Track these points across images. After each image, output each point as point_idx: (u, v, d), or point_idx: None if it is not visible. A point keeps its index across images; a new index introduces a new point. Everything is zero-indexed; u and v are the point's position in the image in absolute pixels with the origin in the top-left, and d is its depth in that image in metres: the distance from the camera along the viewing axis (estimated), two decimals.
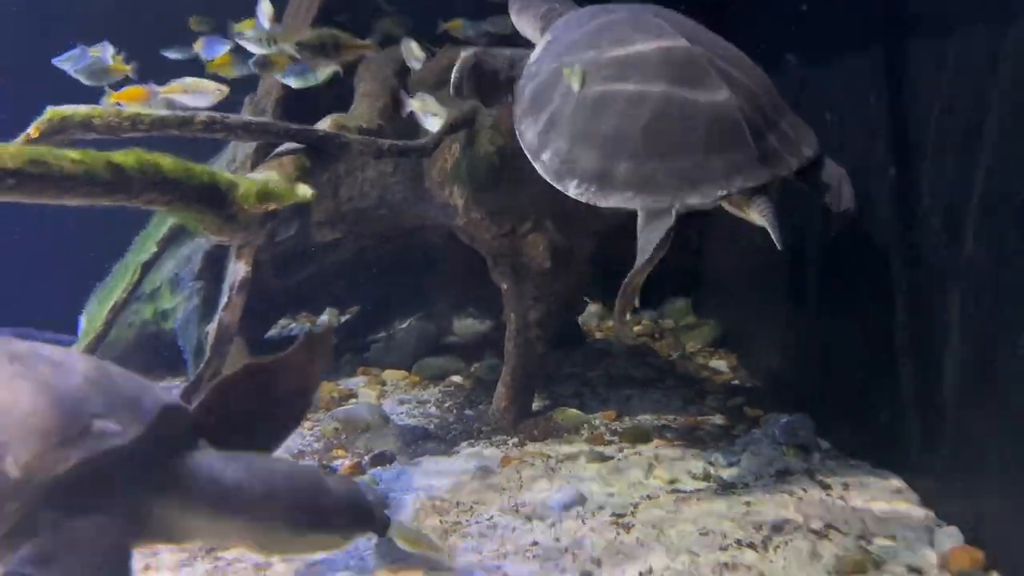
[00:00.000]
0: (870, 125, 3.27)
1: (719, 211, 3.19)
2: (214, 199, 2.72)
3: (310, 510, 1.91)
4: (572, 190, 3.12)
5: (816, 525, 2.79)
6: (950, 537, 2.62)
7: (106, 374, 1.88)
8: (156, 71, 3.51)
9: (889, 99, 3.16)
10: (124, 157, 2.59)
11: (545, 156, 3.20)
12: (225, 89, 3.36)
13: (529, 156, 3.29)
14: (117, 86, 3.35)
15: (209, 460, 1.90)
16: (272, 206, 2.79)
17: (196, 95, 3.30)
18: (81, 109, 2.99)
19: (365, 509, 1.99)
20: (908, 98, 3.05)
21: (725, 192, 2.90)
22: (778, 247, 2.78)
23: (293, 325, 6.07)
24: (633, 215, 3.10)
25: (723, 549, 2.66)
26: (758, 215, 2.89)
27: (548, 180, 3.21)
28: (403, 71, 4.13)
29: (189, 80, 3.35)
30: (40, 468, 1.65)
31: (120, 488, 1.74)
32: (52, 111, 2.96)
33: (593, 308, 6.14)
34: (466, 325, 5.13)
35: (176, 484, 1.83)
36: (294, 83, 3.48)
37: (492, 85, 3.47)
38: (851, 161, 3.27)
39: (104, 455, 1.71)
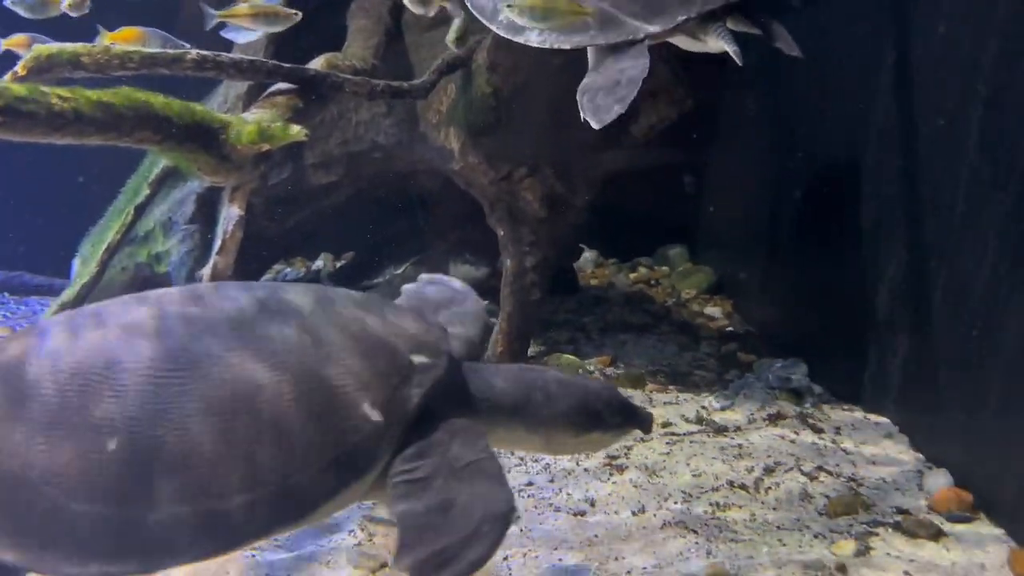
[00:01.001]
0: (869, 75, 3.22)
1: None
2: (207, 138, 2.66)
3: (587, 412, 1.93)
4: (535, 39, 3.08)
5: (807, 467, 2.83)
6: (939, 479, 2.66)
7: (391, 310, 1.89)
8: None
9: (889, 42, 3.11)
10: (114, 95, 2.53)
11: (501, 16, 3.14)
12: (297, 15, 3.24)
13: (485, 21, 3.22)
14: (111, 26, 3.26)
15: (483, 376, 1.91)
16: (265, 146, 2.74)
17: (265, 20, 3.19)
18: (69, 47, 2.91)
19: (631, 408, 2.00)
20: (903, 38, 3.00)
21: (685, 17, 2.91)
22: (739, 64, 2.79)
23: (288, 270, 6.05)
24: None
25: (715, 490, 2.70)
26: (715, 39, 2.91)
27: (508, 37, 3.16)
28: (398, 7, 4.03)
29: (259, 2, 3.22)
30: (394, 409, 1.66)
31: (445, 416, 1.75)
32: (39, 48, 2.88)
33: (589, 255, 6.13)
34: (462, 271, 5.10)
35: (471, 403, 1.84)
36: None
37: None
38: (844, 118, 3.23)
39: (431, 388, 1.72)
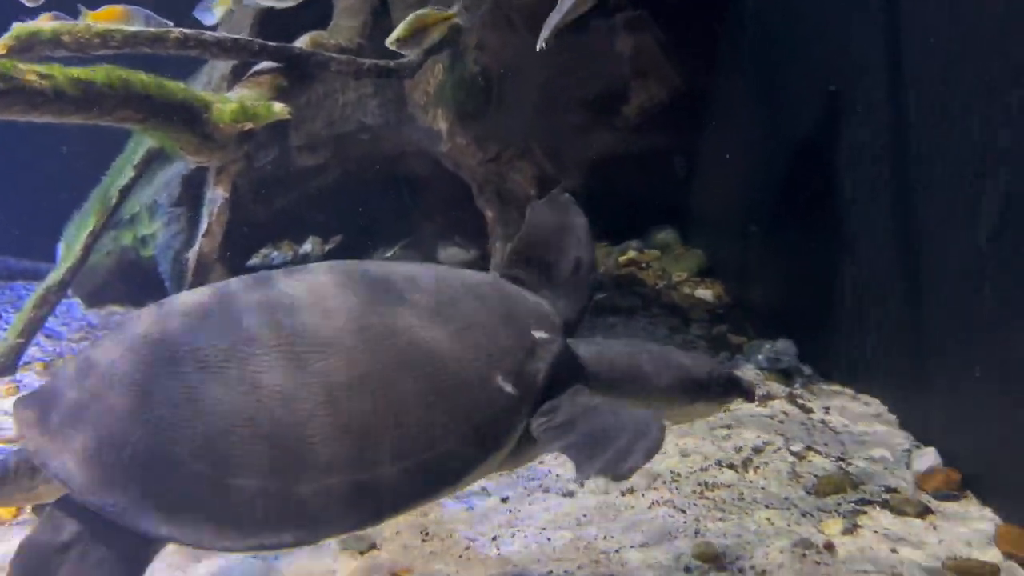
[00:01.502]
0: (852, 57, 3.20)
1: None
2: (189, 117, 2.63)
3: (691, 383, 1.94)
4: None
5: (796, 447, 2.83)
6: (927, 458, 2.66)
7: (504, 285, 1.90)
8: None
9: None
10: (94, 73, 2.50)
11: None
12: None
13: None
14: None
15: (590, 349, 1.92)
16: (248, 125, 2.71)
17: None
18: (49, 25, 2.87)
19: (734, 378, 2.02)
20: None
21: None
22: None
23: (275, 253, 6.02)
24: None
25: (703, 470, 2.70)
26: None
27: None
28: None
29: None
30: (524, 382, 1.69)
31: (563, 388, 1.76)
32: (19, 27, 2.83)
33: None
34: (451, 254, 5.08)
35: (582, 376, 1.85)
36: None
37: None
38: (827, 99, 3.20)
39: (554, 362, 1.74)
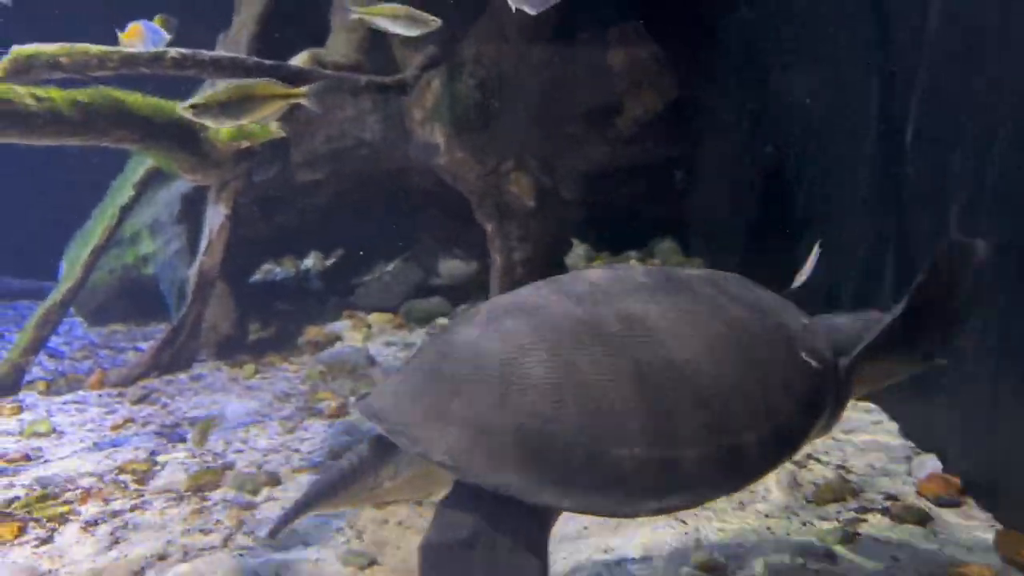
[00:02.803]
0: (842, 72, 3.21)
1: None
2: (186, 136, 2.66)
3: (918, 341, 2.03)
4: None
5: (797, 456, 2.82)
6: (927, 465, 2.65)
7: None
8: None
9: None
10: (90, 95, 2.53)
11: None
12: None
13: None
14: None
15: (834, 325, 2.04)
16: (245, 143, 2.73)
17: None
18: (48, 47, 2.90)
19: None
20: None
21: None
22: None
23: (277, 269, 6.04)
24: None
25: None
26: None
27: None
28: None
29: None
30: (822, 357, 1.83)
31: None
32: (18, 50, 2.87)
33: (579, 249, 6.12)
34: (452, 267, 5.10)
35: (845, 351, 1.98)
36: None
37: None
38: (820, 111, 3.21)
39: (827, 339, 1.90)
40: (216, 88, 2.42)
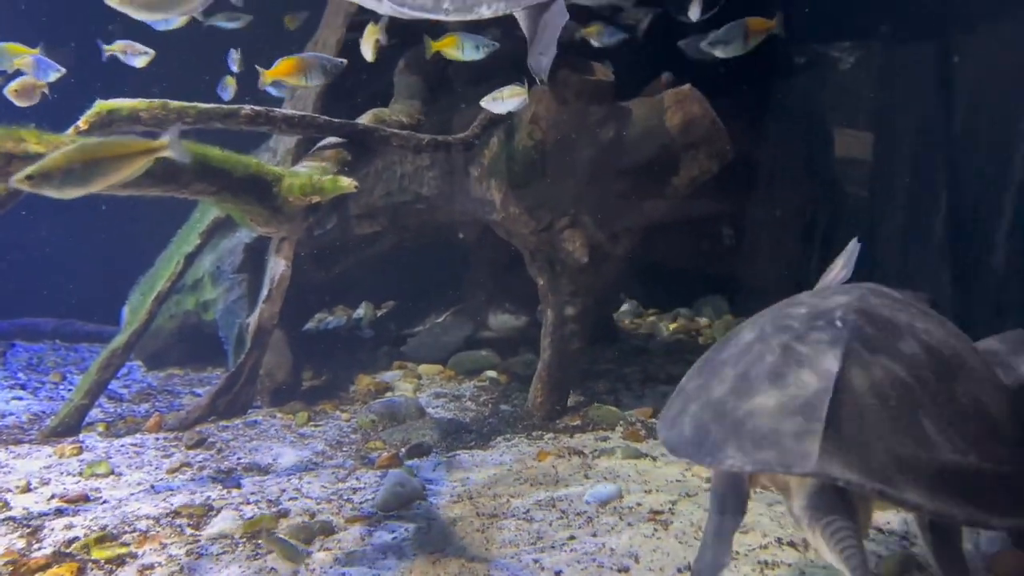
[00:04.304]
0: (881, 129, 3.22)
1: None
2: (260, 190, 2.75)
3: None
4: (486, 12, 3.12)
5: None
6: (996, 541, 2.57)
7: None
8: None
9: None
10: None
11: (446, 4, 3.15)
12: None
13: (427, 15, 3.21)
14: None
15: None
16: (316, 198, 2.82)
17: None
18: (128, 102, 3.05)
19: None
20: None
21: None
22: None
23: (330, 318, 6.13)
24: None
25: (763, 548, 2.64)
26: None
27: (459, 19, 3.19)
28: (443, 62, 4.14)
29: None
30: (1012, 376, 2.17)
31: None
32: (101, 104, 3.02)
33: (627, 305, 6.12)
34: (501, 320, 5.14)
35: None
36: None
37: None
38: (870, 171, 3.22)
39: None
40: (56, 151, 2.13)
